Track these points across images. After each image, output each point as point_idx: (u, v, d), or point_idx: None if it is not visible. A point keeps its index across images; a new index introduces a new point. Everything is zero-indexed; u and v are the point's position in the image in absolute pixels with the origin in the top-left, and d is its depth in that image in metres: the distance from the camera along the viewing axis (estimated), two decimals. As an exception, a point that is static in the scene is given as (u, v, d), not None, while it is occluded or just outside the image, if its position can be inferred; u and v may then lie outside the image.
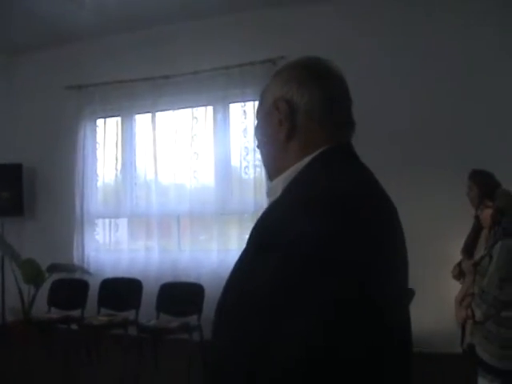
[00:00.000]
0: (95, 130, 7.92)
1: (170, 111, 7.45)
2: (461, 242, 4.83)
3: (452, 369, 4.61)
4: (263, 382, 1.04)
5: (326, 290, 1.06)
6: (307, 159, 1.32)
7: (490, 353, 3.60)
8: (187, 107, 7.35)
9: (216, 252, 7.02)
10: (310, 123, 1.36)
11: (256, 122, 1.51)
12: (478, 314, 3.68)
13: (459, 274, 4.63)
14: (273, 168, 1.43)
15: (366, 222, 1.17)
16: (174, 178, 7.44)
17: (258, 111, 1.51)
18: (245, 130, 7.05)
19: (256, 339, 1.05)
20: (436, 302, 5.48)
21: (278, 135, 1.37)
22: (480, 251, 4.11)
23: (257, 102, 5.76)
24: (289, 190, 1.27)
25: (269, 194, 1.38)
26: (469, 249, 4.63)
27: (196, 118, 7.33)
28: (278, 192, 1.30)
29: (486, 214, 4.00)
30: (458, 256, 4.80)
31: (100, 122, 7.92)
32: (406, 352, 1.29)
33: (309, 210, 1.13)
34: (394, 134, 6.17)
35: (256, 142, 1.53)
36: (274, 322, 1.04)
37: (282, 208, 1.21)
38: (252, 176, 6.98)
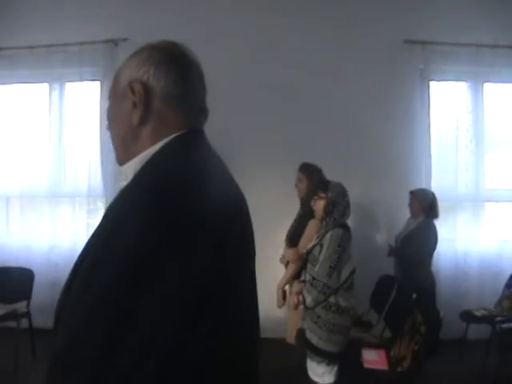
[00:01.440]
0: None
1: (3, 86, 7.02)
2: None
3: (283, 353, 4.82)
4: (114, 372, 1.03)
5: (170, 284, 1.06)
6: (159, 145, 1.30)
7: (319, 336, 3.85)
8: (22, 83, 6.95)
9: (47, 235, 6.77)
10: (165, 108, 1.34)
11: (108, 103, 1.45)
12: (309, 300, 3.91)
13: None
14: (123, 152, 1.40)
15: (211, 213, 1.17)
16: (4, 157, 7.03)
17: (110, 92, 1.44)
18: (82, 110, 6.83)
19: (107, 328, 1.04)
20: (267, 288, 5.67)
21: (131, 118, 1.34)
22: (311, 240, 4.32)
23: (96, 82, 5.64)
24: (138, 177, 1.25)
25: (119, 178, 1.35)
26: (292, 237, 4.86)
27: (31, 94, 6.98)
28: (130, 177, 1.28)
29: (319, 204, 4.20)
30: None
31: None
32: (254, 337, 1.36)
33: (152, 204, 1.12)
34: (228, 128, 6.30)
35: (107, 123, 1.46)
36: (125, 313, 1.04)
37: (129, 199, 1.20)
38: (87, 159, 6.79)
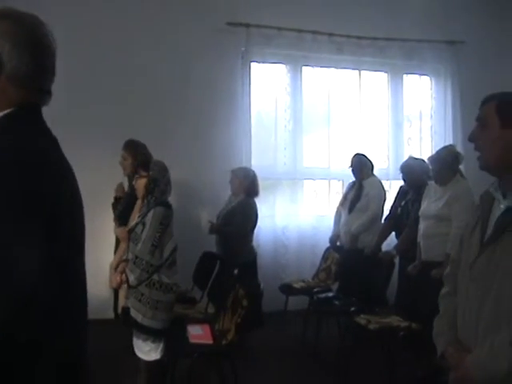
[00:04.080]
0: None
1: None
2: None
3: (106, 334, 4.74)
4: None
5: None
6: None
7: (143, 314, 3.83)
8: None
9: None
10: (9, 85, 1.35)
11: None
12: (132, 279, 3.87)
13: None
14: None
15: (46, 184, 1.26)
16: None
17: None
18: None
19: None
20: (89, 269, 5.50)
21: None
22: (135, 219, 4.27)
23: None
24: None
25: None
26: (121, 216, 4.78)
27: None
28: None
29: (140, 183, 4.16)
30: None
31: None
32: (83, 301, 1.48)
33: None
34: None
35: None
36: None
37: None
38: None
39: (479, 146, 1.99)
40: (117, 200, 5.16)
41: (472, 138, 2.02)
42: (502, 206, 1.94)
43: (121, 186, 5.09)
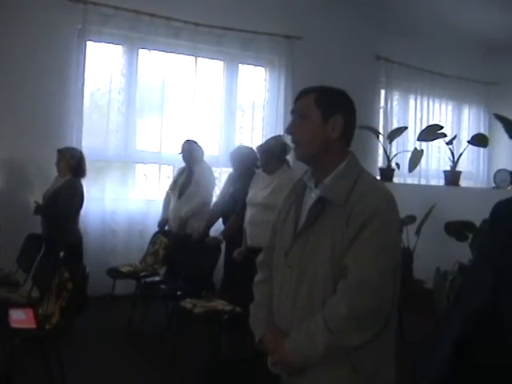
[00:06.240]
0: None
1: None
2: None
3: None
4: None
5: None
6: None
7: None
8: None
9: None
10: None
11: None
12: None
13: None
14: None
15: None
16: None
17: None
18: None
19: None
20: None
21: None
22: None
23: None
24: None
25: None
26: None
27: None
28: None
29: None
30: None
31: None
32: None
33: None
34: None
35: None
36: None
37: None
38: None
39: (297, 138, 2.06)
40: None
41: (290, 131, 2.09)
42: (314, 195, 2.03)
43: None
